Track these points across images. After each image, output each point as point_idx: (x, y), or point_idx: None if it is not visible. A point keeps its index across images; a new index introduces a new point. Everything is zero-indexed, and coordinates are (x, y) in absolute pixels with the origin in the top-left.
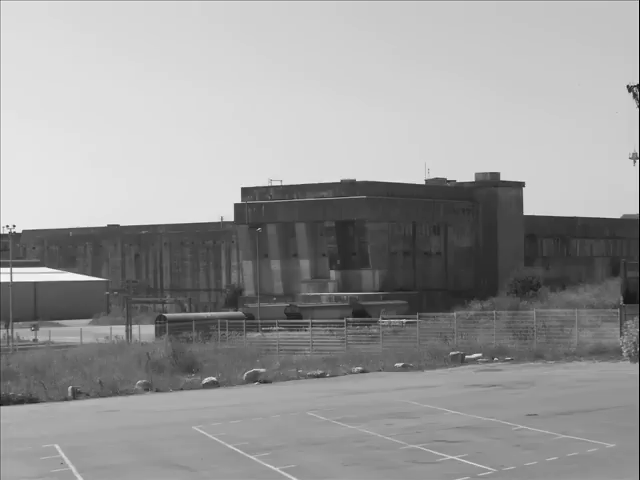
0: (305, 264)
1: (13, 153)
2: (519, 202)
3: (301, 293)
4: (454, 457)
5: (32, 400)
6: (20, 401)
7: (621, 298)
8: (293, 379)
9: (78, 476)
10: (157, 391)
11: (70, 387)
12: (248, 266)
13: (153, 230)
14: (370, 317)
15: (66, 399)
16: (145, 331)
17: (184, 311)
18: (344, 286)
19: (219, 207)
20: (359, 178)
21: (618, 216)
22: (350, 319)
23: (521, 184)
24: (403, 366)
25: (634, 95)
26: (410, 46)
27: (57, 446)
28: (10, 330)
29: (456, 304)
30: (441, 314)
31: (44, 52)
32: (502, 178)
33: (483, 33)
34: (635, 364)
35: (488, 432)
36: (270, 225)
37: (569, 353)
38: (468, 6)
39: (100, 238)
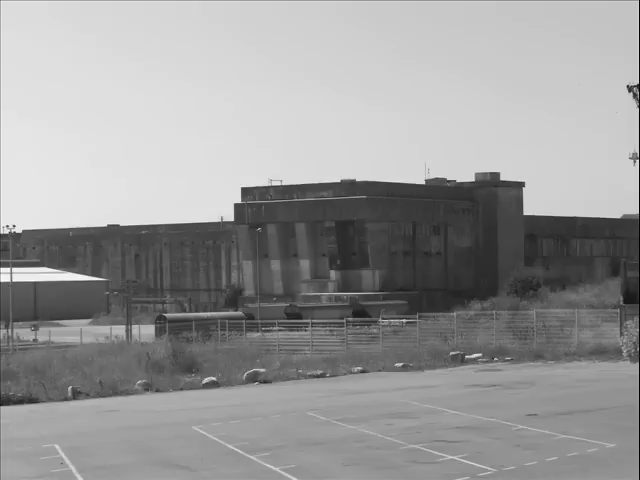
0: (305, 264)
1: (13, 153)
2: (519, 202)
3: (301, 293)
4: (454, 457)
5: (32, 400)
6: (20, 401)
7: (621, 298)
8: (293, 379)
9: (78, 476)
10: (157, 391)
11: (70, 387)
12: (248, 266)
13: (153, 230)
14: (370, 317)
15: (66, 399)
16: (145, 331)
17: (184, 311)
18: (344, 286)
19: (219, 207)
20: (359, 178)
21: (618, 216)
22: (350, 319)
23: (521, 184)
24: (403, 366)
25: (634, 95)
26: (410, 46)
27: (57, 446)
28: (10, 330)
29: (456, 304)
30: (441, 314)
31: (44, 52)
32: (502, 178)
33: (483, 33)
34: (635, 364)
35: (488, 432)
36: (270, 225)
37: (569, 353)
38: (468, 6)
39: (100, 238)
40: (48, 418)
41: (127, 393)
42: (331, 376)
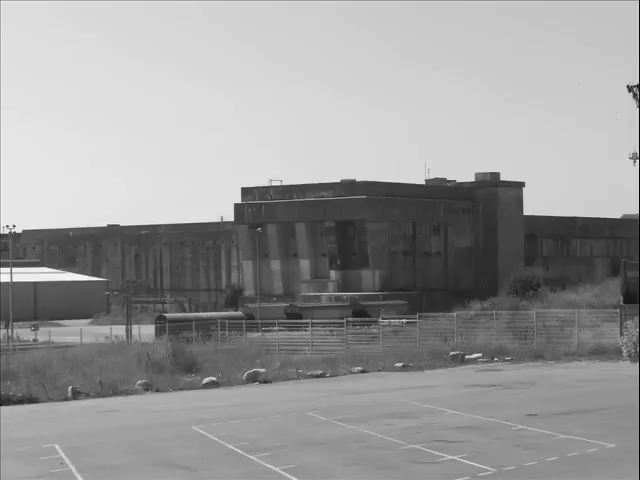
0: (305, 264)
1: (13, 153)
2: (519, 202)
3: (301, 293)
4: (454, 457)
5: (32, 400)
6: (20, 401)
7: (621, 298)
8: (293, 379)
9: (78, 476)
10: (157, 391)
11: (70, 387)
12: (248, 266)
13: (153, 230)
14: (370, 317)
15: (66, 399)
16: (145, 331)
17: (184, 311)
18: (344, 286)
19: (219, 207)
20: (359, 178)
21: (618, 216)
22: (350, 319)
23: (521, 184)
24: (403, 366)
25: (634, 95)
26: (410, 46)
27: (57, 446)
28: (10, 330)
29: (456, 304)
30: (441, 314)
31: (44, 52)
32: (502, 178)
33: (483, 33)
34: (635, 364)
35: (488, 432)
36: (270, 225)
37: (569, 353)
38: (468, 6)
39: (100, 238)
40: (48, 418)
41: (127, 393)
42: (331, 376)
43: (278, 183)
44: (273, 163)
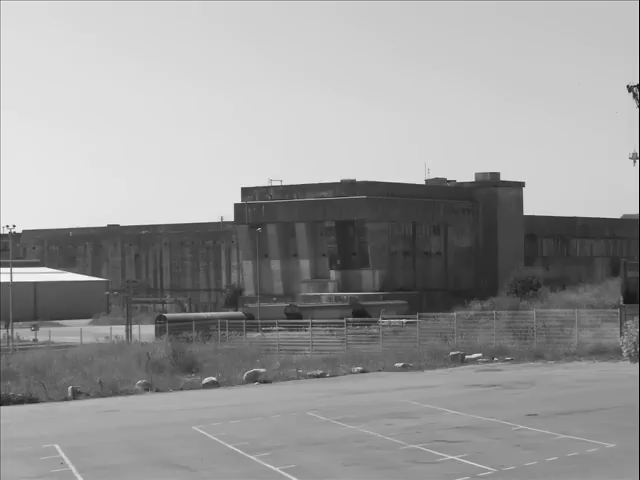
0: (305, 264)
1: (13, 153)
2: (519, 202)
3: (301, 293)
4: (454, 457)
5: (32, 400)
6: (20, 401)
7: (621, 298)
8: (293, 379)
9: (78, 476)
10: (157, 391)
11: (70, 387)
12: (248, 266)
13: (153, 230)
14: (370, 317)
15: (66, 399)
16: (145, 331)
17: (184, 311)
18: (344, 286)
19: (219, 207)
20: (359, 178)
21: (618, 216)
22: (350, 319)
23: (521, 184)
24: (403, 366)
25: (634, 95)
26: (410, 46)
27: (57, 446)
28: (10, 330)
29: (456, 304)
30: (441, 314)
31: (44, 52)
32: (502, 178)
33: (483, 33)
34: (635, 364)
35: (488, 432)
36: (270, 225)
37: (569, 353)
38: (468, 6)
39: (100, 238)
40: (48, 418)
41: (127, 393)
42: (331, 376)
43: (278, 183)
44: (273, 163)
